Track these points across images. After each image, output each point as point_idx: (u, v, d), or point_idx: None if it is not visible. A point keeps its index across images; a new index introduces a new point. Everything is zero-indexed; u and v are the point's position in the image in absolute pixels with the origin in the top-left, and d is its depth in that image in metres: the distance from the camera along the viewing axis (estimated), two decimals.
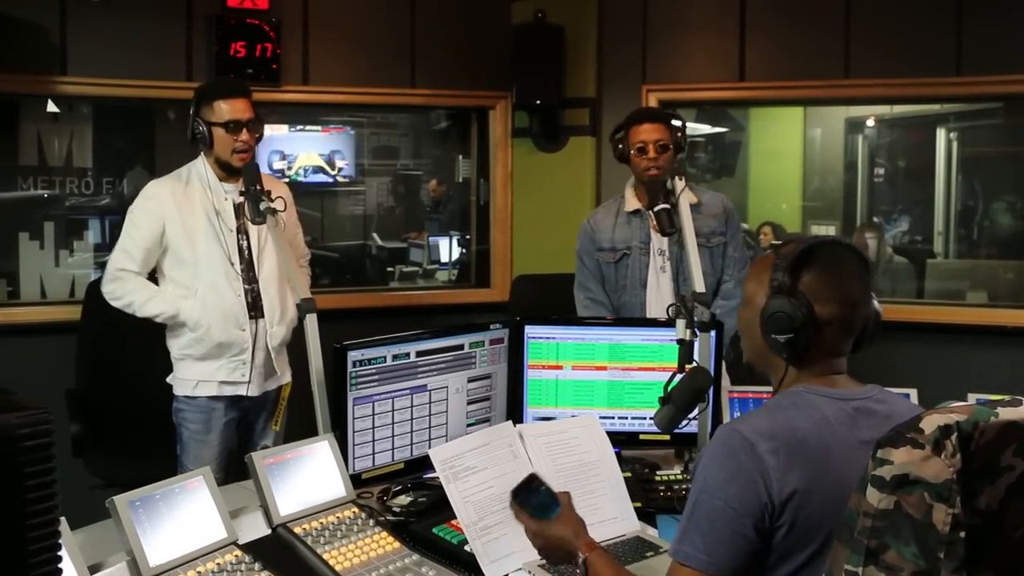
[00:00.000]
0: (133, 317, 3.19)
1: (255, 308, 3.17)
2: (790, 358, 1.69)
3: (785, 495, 1.54)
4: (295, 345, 3.21)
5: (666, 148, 3.24)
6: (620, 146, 3.31)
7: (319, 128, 5.76)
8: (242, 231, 3.18)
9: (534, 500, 1.85)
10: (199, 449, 3.19)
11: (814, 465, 1.57)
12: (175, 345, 3.19)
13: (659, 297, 3.30)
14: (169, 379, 3.23)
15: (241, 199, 3.08)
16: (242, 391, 3.18)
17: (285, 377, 3.30)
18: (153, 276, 3.22)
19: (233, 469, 3.22)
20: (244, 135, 3.10)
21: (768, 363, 1.75)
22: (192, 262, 3.13)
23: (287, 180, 5.30)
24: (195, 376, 3.17)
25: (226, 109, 3.09)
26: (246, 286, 3.16)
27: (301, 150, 5.66)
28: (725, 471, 1.57)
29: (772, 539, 1.56)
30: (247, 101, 3.14)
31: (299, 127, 5.70)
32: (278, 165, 5.53)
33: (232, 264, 3.13)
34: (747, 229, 5.90)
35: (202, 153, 3.19)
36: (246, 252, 3.18)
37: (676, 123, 3.27)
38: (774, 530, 1.56)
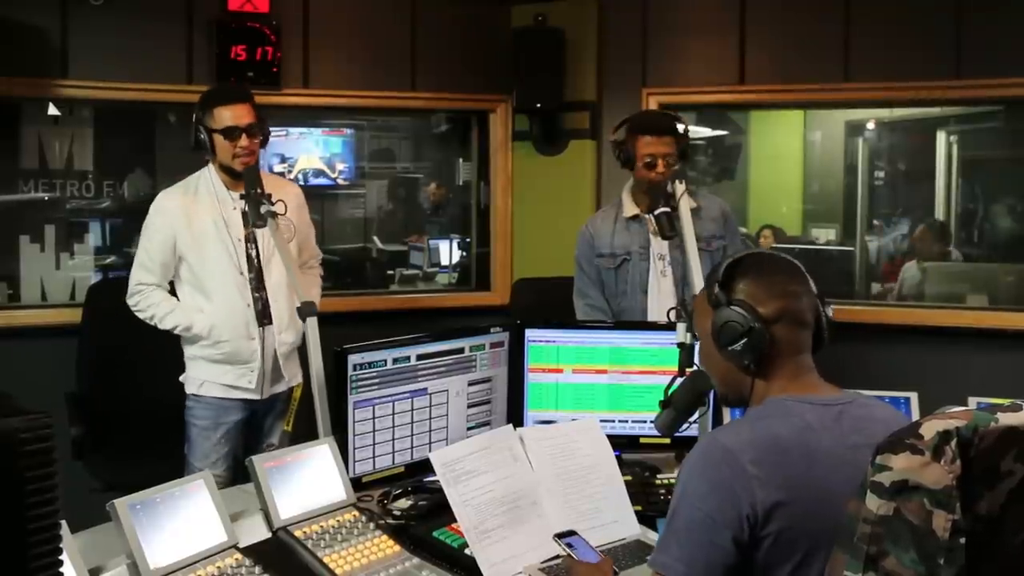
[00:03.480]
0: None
1: (264, 315, 3.20)
2: (752, 364, 1.68)
3: (768, 505, 1.53)
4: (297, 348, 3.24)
5: (674, 162, 3.24)
6: (624, 149, 3.30)
7: (319, 131, 5.76)
8: (250, 239, 3.19)
9: (575, 544, 2.05)
10: (205, 445, 3.22)
11: (798, 474, 1.56)
12: (189, 347, 3.25)
13: (660, 302, 3.29)
14: (181, 378, 3.29)
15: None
16: (247, 396, 3.21)
17: (295, 379, 3.32)
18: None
19: (240, 470, 3.23)
20: (243, 141, 3.11)
21: (738, 384, 1.74)
22: (203, 273, 3.17)
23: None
24: (203, 376, 3.23)
25: (225, 116, 3.11)
26: (255, 294, 3.19)
27: (301, 153, 5.66)
28: (705, 482, 1.58)
29: (757, 551, 1.55)
30: (247, 106, 3.15)
31: (299, 130, 5.70)
32: (278, 168, 5.52)
33: (241, 273, 3.17)
34: (746, 233, 5.89)
35: (209, 161, 3.23)
36: (255, 260, 3.20)
37: (680, 128, 3.27)
38: (759, 541, 1.55)
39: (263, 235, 3.15)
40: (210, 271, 3.16)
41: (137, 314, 3.23)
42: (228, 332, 3.16)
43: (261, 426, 3.34)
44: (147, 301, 3.20)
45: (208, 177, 3.22)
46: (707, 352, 1.78)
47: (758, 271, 1.72)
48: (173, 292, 3.27)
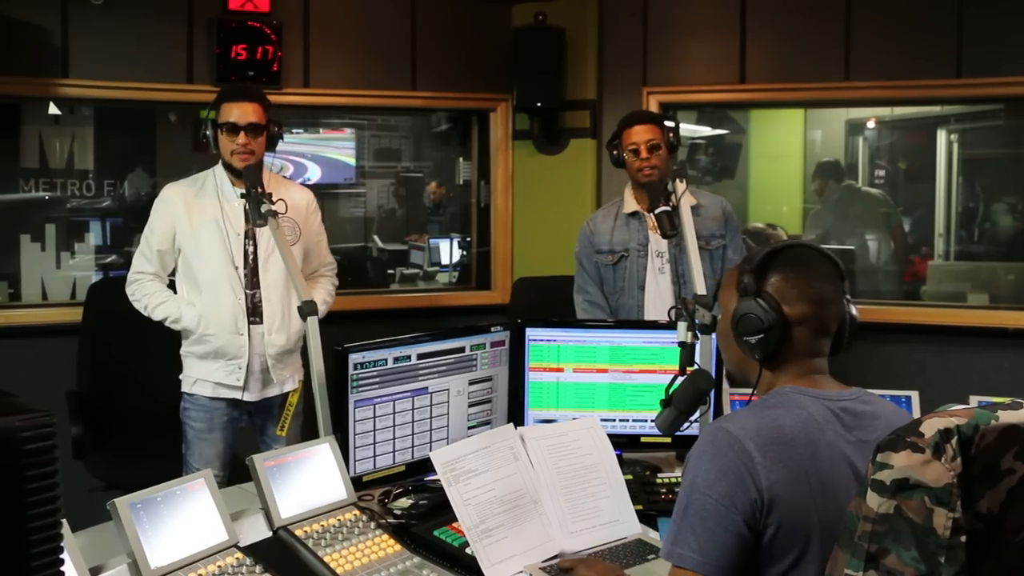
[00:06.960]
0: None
1: (255, 314, 3.20)
2: (763, 359, 1.69)
3: (773, 492, 1.54)
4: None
5: (657, 147, 3.26)
6: (615, 152, 3.34)
7: (319, 130, 5.76)
8: (250, 236, 3.20)
9: None
10: (202, 447, 3.23)
11: (800, 463, 1.56)
12: (184, 343, 3.27)
13: (657, 299, 3.31)
14: (180, 376, 3.30)
15: None
16: (237, 395, 3.21)
17: (289, 384, 3.30)
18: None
19: (236, 470, 3.23)
20: (241, 138, 3.12)
21: (746, 369, 1.75)
22: (196, 264, 3.19)
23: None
24: (194, 374, 3.24)
25: (228, 112, 3.13)
26: (248, 290, 3.19)
27: (301, 152, 5.65)
28: (714, 469, 1.57)
29: (762, 538, 1.55)
30: (254, 105, 3.16)
31: (299, 130, 5.70)
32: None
33: (236, 268, 3.17)
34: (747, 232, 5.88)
35: (219, 158, 3.25)
36: (251, 257, 3.20)
37: (668, 124, 3.30)
38: (764, 528, 1.55)
39: (264, 235, 3.15)
40: (203, 262, 3.18)
41: (133, 303, 3.25)
42: (215, 325, 3.17)
43: (264, 430, 3.33)
44: (142, 291, 3.23)
45: (215, 172, 3.25)
46: (724, 331, 1.77)
47: (793, 268, 1.68)
48: (172, 287, 3.29)
